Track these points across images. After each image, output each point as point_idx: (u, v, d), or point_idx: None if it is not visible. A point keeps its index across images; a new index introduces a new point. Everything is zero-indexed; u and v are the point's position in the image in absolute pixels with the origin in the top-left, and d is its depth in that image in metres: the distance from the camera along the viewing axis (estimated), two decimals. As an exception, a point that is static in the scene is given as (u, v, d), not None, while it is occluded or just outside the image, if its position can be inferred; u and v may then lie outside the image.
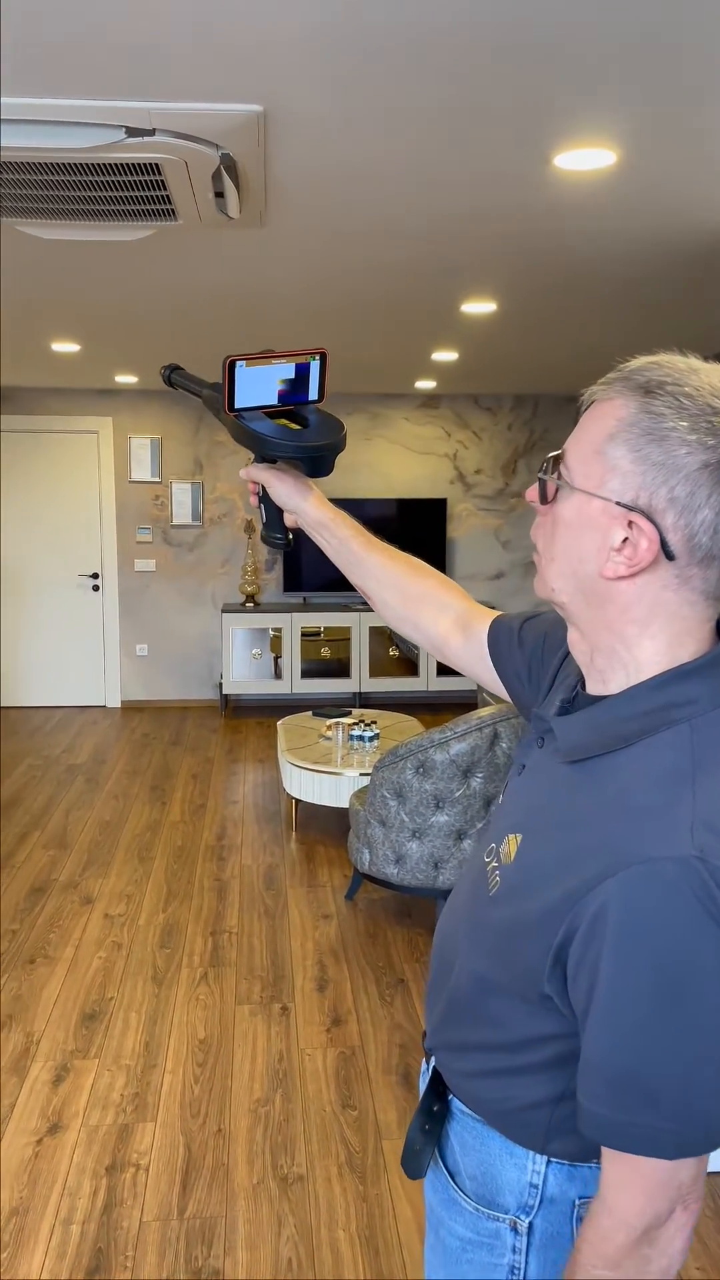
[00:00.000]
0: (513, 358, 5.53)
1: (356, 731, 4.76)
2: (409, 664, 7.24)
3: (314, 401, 1.12)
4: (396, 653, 7.24)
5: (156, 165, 2.22)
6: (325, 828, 4.79)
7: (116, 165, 2.22)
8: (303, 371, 1.10)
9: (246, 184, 2.43)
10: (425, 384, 6.73)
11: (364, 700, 7.33)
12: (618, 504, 0.86)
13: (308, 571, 7.27)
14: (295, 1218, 2.23)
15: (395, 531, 7.32)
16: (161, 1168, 2.39)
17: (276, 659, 7.09)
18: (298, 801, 4.75)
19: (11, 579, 7.24)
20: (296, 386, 1.10)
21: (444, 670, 7.20)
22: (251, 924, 3.72)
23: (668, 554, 0.85)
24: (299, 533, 1.25)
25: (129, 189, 2.37)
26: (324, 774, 4.39)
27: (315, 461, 1.13)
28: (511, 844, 0.95)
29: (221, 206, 2.52)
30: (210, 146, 2.15)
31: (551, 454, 0.92)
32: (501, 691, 1.20)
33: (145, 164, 2.21)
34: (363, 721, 4.88)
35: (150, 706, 7.42)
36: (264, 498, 1.21)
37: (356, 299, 3.89)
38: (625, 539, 0.86)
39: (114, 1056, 2.84)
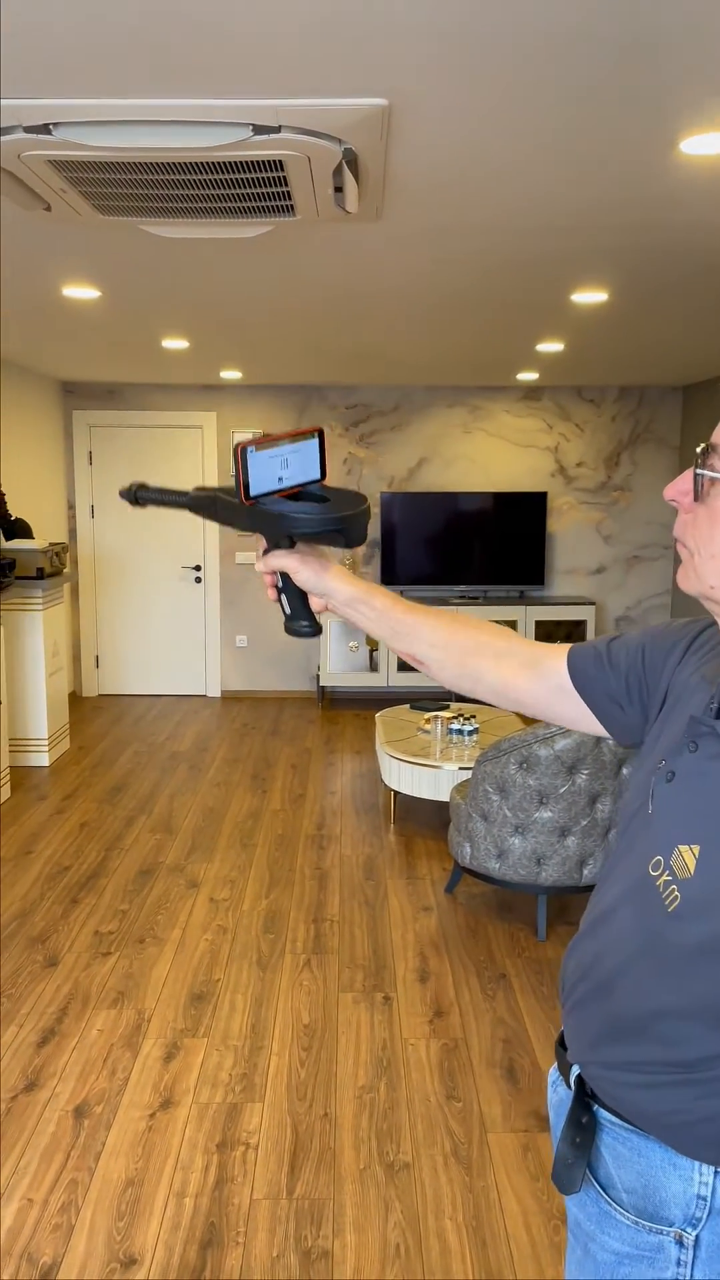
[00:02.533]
0: (620, 348, 5.42)
1: (455, 725, 4.75)
2: (506, 659, 7.18)
3: (318, 480, 1.10)
4: (494, 647, 7.19)
5: (279, 162, 2.25)
6: (424, 820, 4.80)
7: (240, 163, 2.26)
8: (304, 451, 1.08)
9: (366, 178, 2.44)
10: (527, 376, 6.66)
11: (460, 695, 7.30)
12: None
13: (404, 565, 7.28)
14: (402, 1204, 2.25)
15: (493, 525, 7.27)
16: (270, 1147, 2.44)
17: (372, 652, 7.13)
18: (396, 793, 4.77)
19: (118, 570, 7.45)
20: (301, 467, 1.09)
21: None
22: (352, 913, 3.76)
23: None
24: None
25: (251, 185, 2.40)
26: (423, 767, 4.39)
27: (350, 532, 1.09)
28: (687, 856, 0.91)
29: (340, 201, 2.54)
30: (334, 141, 2.17)
31: (701, 447, 0.89)
32: (586, 725, 1.14)
33: (269, 161, 2.24)
34: (461, 715, 4.87)
35: (249, 697, 7.54)
36: (283, 588, 1.15)
37: (466, 291, 3.87)
38: None
39: (222, 1037, 2.91)
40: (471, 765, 4.24)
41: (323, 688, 7.26)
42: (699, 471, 0.90)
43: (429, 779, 4.40)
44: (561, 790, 3.44)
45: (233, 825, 4.71)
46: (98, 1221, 2.19)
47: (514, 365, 6.13)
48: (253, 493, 1.05)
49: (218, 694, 7.57)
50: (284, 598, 1.16)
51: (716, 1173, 0.93)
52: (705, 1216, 0.94)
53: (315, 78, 1.94)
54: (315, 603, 1.15)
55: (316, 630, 1.16)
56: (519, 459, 7.41)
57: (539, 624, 7.11)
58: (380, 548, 7.28)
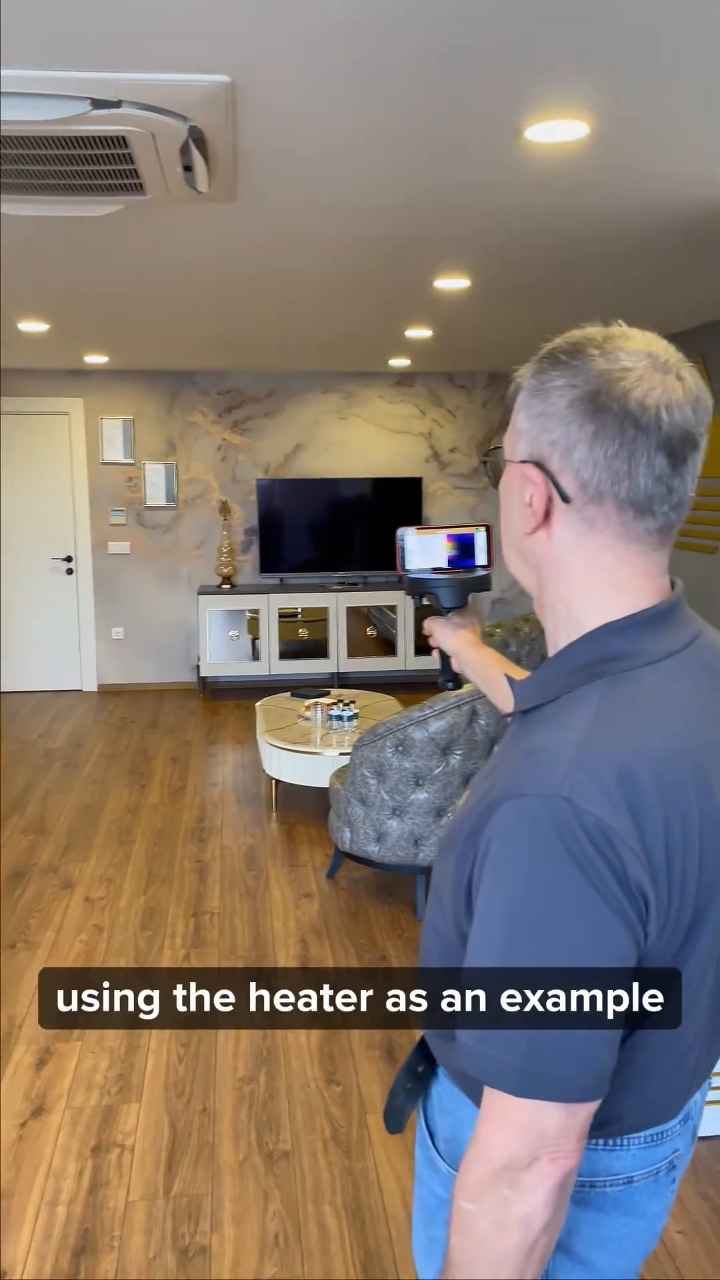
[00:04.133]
0: (487, 334, 5.51)
1: (335, 711, 4.76)
2: (387, 644, 7.24)
3: (485, 565, 1.33)
4: (374, 633, 7.24)
5: (123, 138, 2.18)
6: (305, 807, 4.80)
7: (82, 138, 2.18)
8: (466, 540, 1.33)
9: (216, 157, 2.39)
10: (399, 362, 6.70)
11: (342, 680, 7.32)
12: (520, 462, 0.92)
13: (284, 552, 7.24)
14: (281, 1192, 2.24)
15: (370, 511, 7.30)
16: (147, 1148, 2.39)
17: (254, 640, 7.08)
18: (277, 782, 4.75)
19: (-16, 563, 7.17)
20: (465, 553, 1.34)
21: (421, 649, 7.21)
22: (233, 904, 3.73)
23: (564, 497, 0.89)
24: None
25: (95, 162, 2.33)
26: (303, 754, 4.39)
27: (449, 591, 1.33)
28: (464, 799, 0.99)
29: (190, 180, 2.48)
30: (178, 119, 2.12)
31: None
32: None
33: (111, 137, 2.17)
34: (341, 701, 4.88)
35: (127, 690, 7.38)
36: (441, 650, 1.39)
37: (329, 275, 3.86)
38: (532, 493, 0.91)
39: (97, 1039, 2.84)
40: (351, 750, 4.26)
41: (203, 678, 7.16)
42: (483, 459, 0.98)
43: (309, 766, 4.39)
44: (436, 771, 3.48)
45: (110, 822, 4.60)
46: (-35, 1239, 2.11)
47: (385, 351, 6.16)
48: (407, 566, 1.35)
49: (94, 688, 7.39)
50: (439, 653, 1.41)
51: None
52: None
53: (157, 53, 1.89)
54: (455, 663, 1.38)
55: (454, 685, 1.39)
56: (394, 445, 7.46)
57: (418, 610, 7.19)
58: (258, 535, 7.22)
